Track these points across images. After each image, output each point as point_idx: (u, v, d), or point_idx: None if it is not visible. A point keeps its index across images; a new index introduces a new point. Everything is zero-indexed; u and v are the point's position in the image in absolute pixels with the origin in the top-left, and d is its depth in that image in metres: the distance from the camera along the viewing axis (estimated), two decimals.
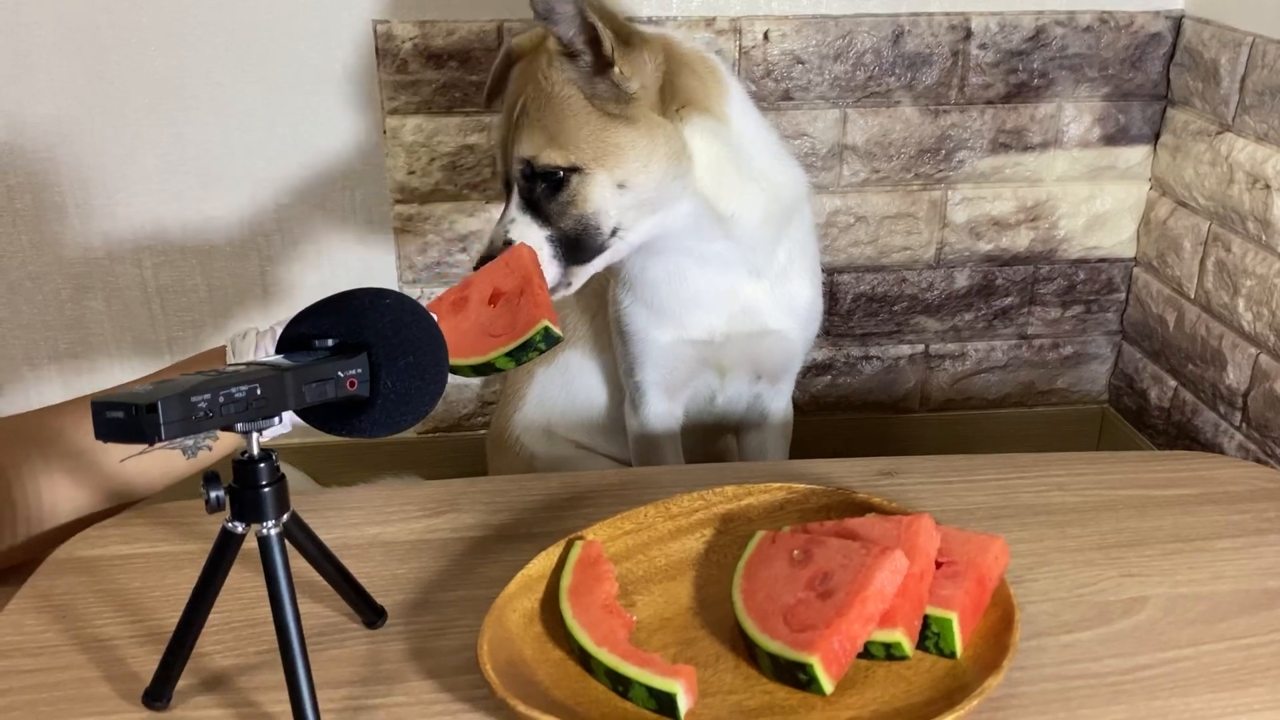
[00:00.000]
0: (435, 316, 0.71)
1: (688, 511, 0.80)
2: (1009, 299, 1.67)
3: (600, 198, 0.96)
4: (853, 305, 1.65)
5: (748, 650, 0.68)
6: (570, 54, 0.94)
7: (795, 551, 0.71)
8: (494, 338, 0.81)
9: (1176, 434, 1.59)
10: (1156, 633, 0.71)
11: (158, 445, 0.53)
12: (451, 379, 0.76)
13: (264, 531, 0.61)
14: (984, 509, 0.86)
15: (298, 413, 0.62)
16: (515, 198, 0.98)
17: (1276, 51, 1.32)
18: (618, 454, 1.30)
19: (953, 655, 0.66)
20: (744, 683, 0.66)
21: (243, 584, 0.73)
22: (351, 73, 1.44)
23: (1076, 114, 1.57)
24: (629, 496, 0.87)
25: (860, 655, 0.65)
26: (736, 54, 1.47)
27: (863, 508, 0.78)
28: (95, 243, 1.49)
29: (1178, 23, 1.52)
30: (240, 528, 0.62)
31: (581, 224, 0.97)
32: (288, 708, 0.60)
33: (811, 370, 1.67)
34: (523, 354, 0.81)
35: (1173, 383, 1.59)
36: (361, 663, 0.70)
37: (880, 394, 1.72)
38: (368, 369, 0.63)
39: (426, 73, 1.45)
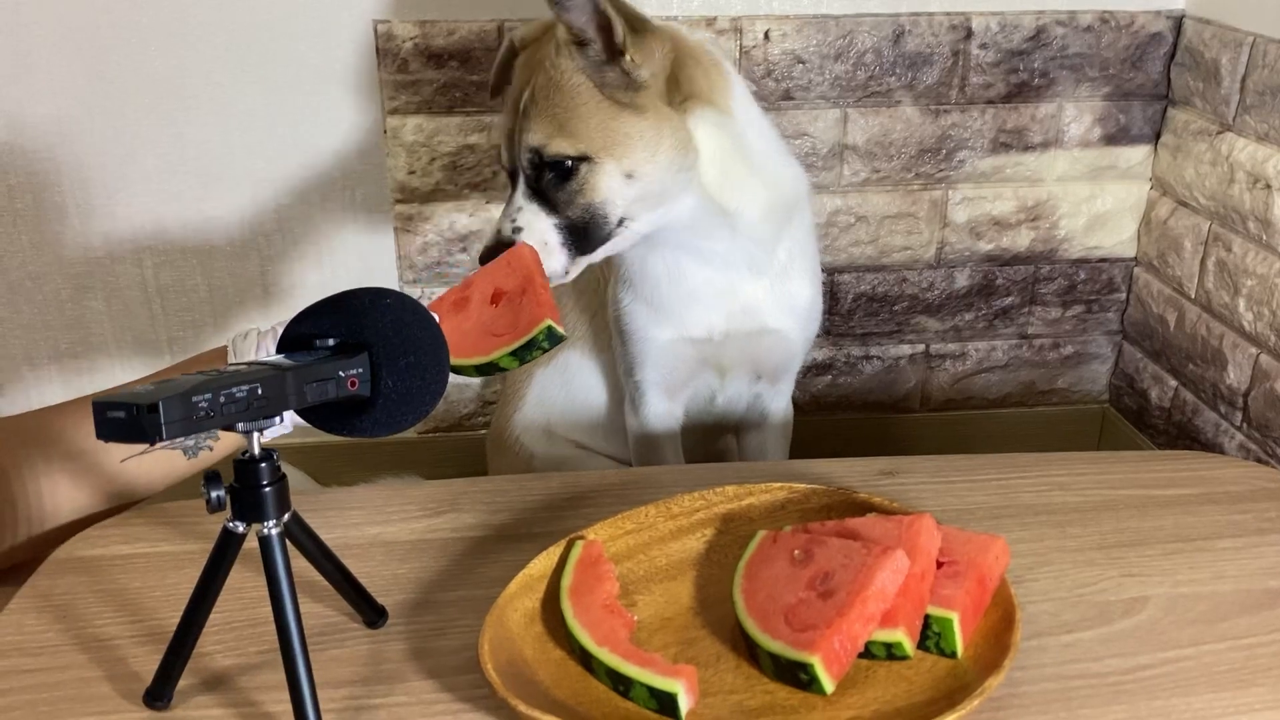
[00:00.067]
0: (436, 316, 0.71)
1: (688, 511, 0.80)
2: (1009, 299, 1.67)
3: (608, 187, 0.96)
4: (853, 305, 1.65)
5: (749, 650, 0.67)
6: (579, 43, 0.94)
7: (796, 551, 0.71)
8: (496, 337, 0.81)
9: (1177, 434, 1.59)
10: (1157, 633, 0.71)
11: (159, 445, 0.53)
12: (452, 379, 0.75)
13: (265, 531, 0.61)
14: (985, 509, 0.86)
15: (298, 412, 0.62)
16: (521, 187, 0.98)
17: (1277, 51, 1.32)
18: (617, 454, 1.30)
19: (954, 655, 0.66)
20: (745, 682, 0.66)
21: (243, 584, 0.73)
22: (352, 73, 1.44)
23: (1077, 114, 1.57)
24: (629, 496, 0.87)
25: (861, 655, 0.65)
26: (737, 53, 1.47)
27: (863, 507, 0.78)
28: (95, 243, 1.49)
29: (1178, 22, 1.52)
30: (241, 527, 0.62)
31: (589, 213, 0.97)
32: (288, 708, 0.60)
33: (812, 370, 1.67)
34: (526, 353, 0.81)
35: (1173, 383, 1.59)
36: (362, 662, 0.69)
37: (881, 394, 1.72)
38: (368, 369, 0.63)
39: (427, 72, 1.45)
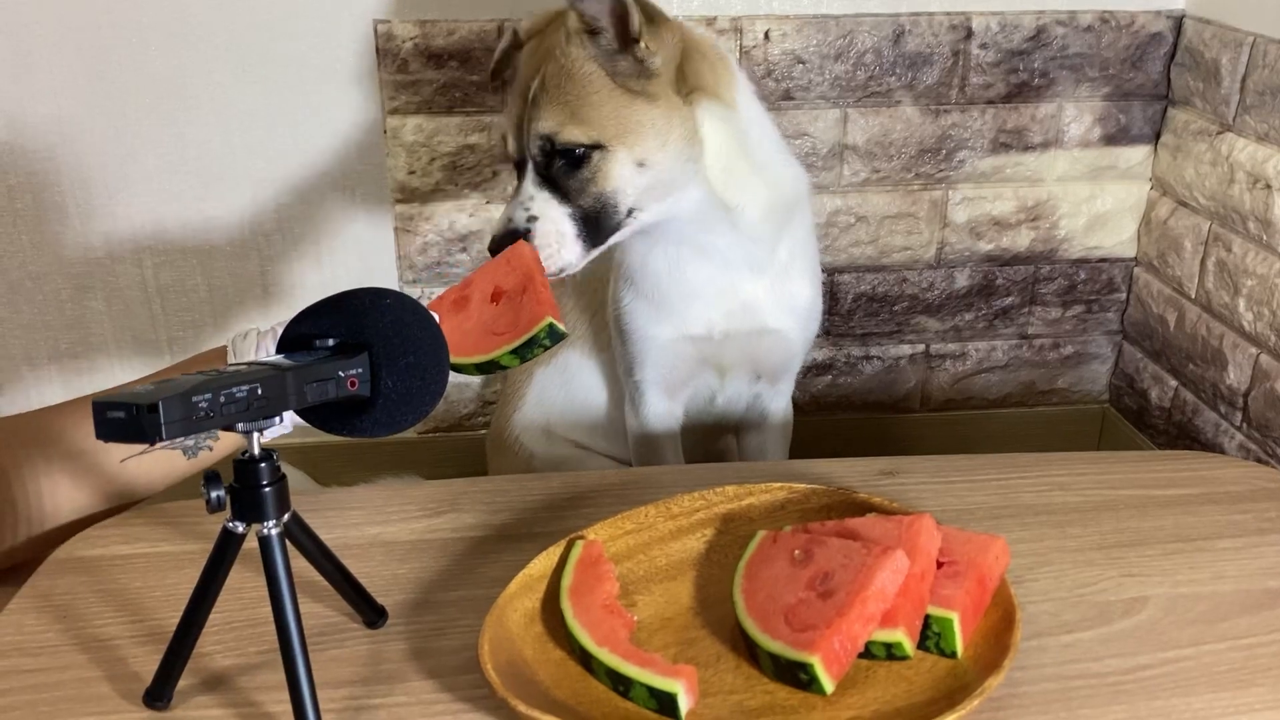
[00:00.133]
0: (436, 316, 0.71)
1: (688, 511, 0.80)
2: (1010, 299, 1.67)
3: (620, 176, 0.96)
4: (853, 305, 1.64)
5: (749, 650, 0.67)
6: (591, 31, 0.95)
7: (796, 551, 0.71)
8: (497, 335, 0.81)
9: (1177, 434, 1.59)
10: (1157, 633, 0.71)
11: (159, 445, 0.53)
12: (452, 378, 0.75)
13: (265, 531, 0.61)
14: (985, 509, 0.86)
15: (298, 412, 0.62)
16: (531, 176, 0.98)
17: (1277, 51, 1.32)
18: (617, 454, 1.30)
19: (954, 655, 0.66)
20: (745, 683, 0.66)
21: (243, 584, 0.73)
22: (352, 73, 1.44)
23: (1077, 114, 1.57)
24: (629, 496, 0.87)
25: (861, 655, 0.65)
26: (737, 53, 1.47)
27: (863, 508, 0.78)
28: (95, 243, 1.49)
29: (1178, 22, 1.52)
30: (241, 527, 0.62)
31: (600, 202, 0.97)
32: (288, 708, 0.60)
33: (812, 370, 1.67)
34: (528, 351, 0.81)
35: (1173, 383, 1.59)
36: (362, 663, 0.69)
37: (881, 394, 1.72)
38: (368, 369, 0.63)
39: (427, 73, 1.45)
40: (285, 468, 0.63)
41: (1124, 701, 0.65)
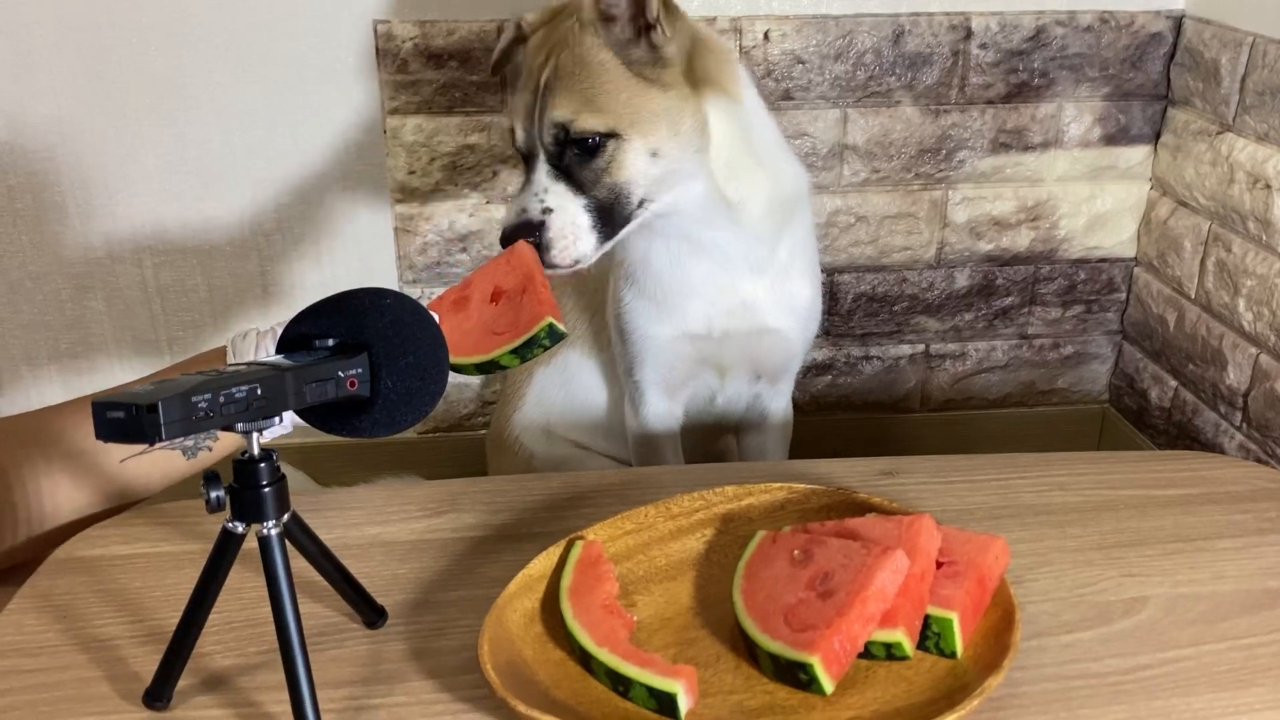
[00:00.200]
0: (436, 316, 0.71)
1: (688, 511, 0.80)
2: (1009, 299, 1.67)
3: (634, 165, 0.96)
4: (853, 305, 1.64)
5: (748, 650, 0.67)
6: (606, 19, 0.95)
7: (796, 551, 0.71)
8: (497, 335, 0.81)
9: (1177, 434, 1.58)
10: (1157, 633, 0.71)
11: (158, 445, 0.53)
12: (452, 378, 0.75)
13: (264, 531, 0.61)
14: (984, 509, 0.86)
15: (298, 413, 0.62)
16: (542, 166, 0.97)
17: (1277, 51, 1.32)
18: (617, 454, 1.30)
19: (953, 655, 0.66)
20: (744, 683, 0.66)
21: (243, 584, 0.73)
22: (351, 73, 1.44)
23: (1077, 114, 1.57)
24: (629, 496, 0.87)
25: (861, 655, 0.65)
26: (737, 54, 1.47)
27: (863, 508, 0.78)
28: (95, 243, 1.49)
29: (1178, 22, 1.52)
30: (240, 528, 0.62)
31: (615, 192, 0.97)
32: (288, 708, 0.60)
33: (812, 370, 1.67)
34: (528, 351, 0.81)
35: (1173, 383, 1.59)
36: (362, 663, 0.69)
37: (881, 394, 1.72)
38: (368, 369, 0.63)
39: (427, 73, 1.45)
40: (285, 468, 0.63)
41: (1124, 701, 0.65)
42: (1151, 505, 0.86)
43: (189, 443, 0.84)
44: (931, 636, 0.67)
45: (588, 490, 0.90)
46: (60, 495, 0.84)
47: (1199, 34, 1.48)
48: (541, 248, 0.95)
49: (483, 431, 1.60)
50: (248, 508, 0.61)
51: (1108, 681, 0.67)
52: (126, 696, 0.67)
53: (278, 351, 0.64)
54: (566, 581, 0.72)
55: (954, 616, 0.66)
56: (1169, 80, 1.55)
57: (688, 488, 0.82)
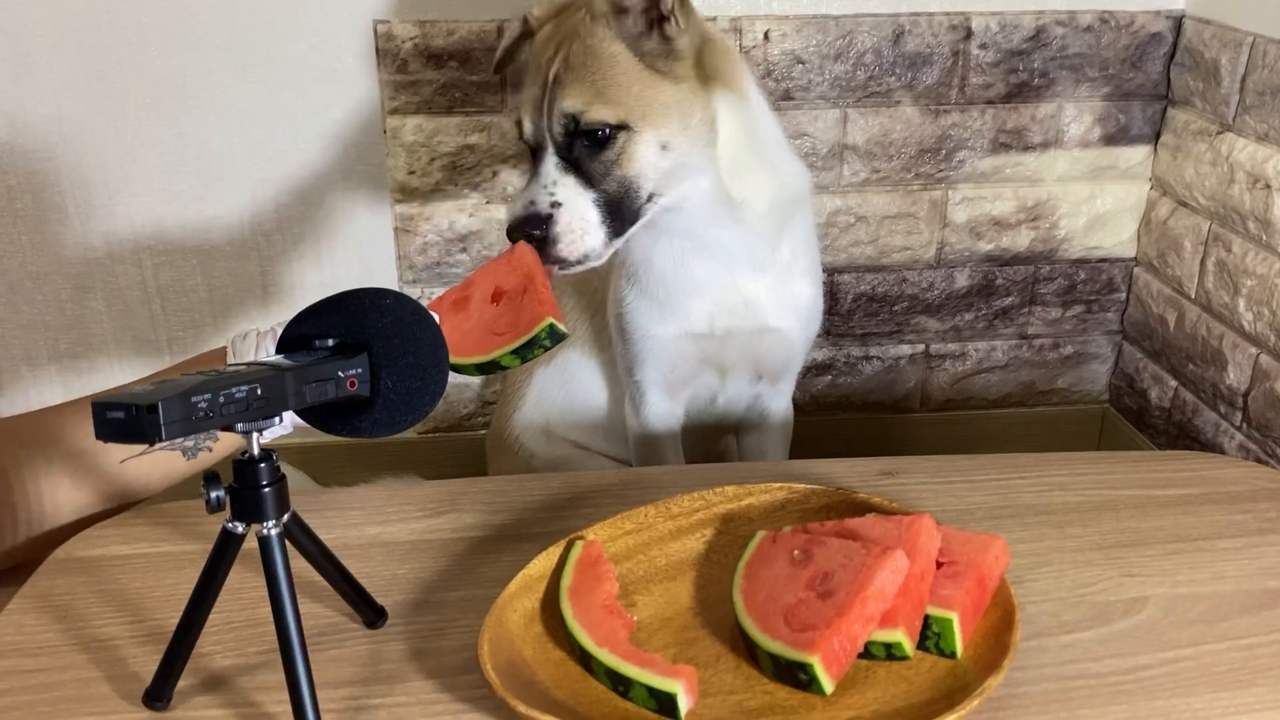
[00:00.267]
0: (437, 316, 0.71)
1: (688, 511, 0.80)
2: (1009, 299, 1.67)
3: (644, 157, 0.96)
4: (853, 305, 1.64)
5: (748, 650, 0.67)
6: (620, 10, 0.95)
7: (796, 551, 0.71)
8: (498, 336, 0.81)
9: (1177, 434, 1.58)
10: (1157, 633, 0.71)
11: (158, 445, 0.53)
12: (452, 378, 0.75)
13: (264, 531, 0.61)
14: (984, 509, 0.86)
15: (298, 413, 0.62)
16: (550, 158, 0.96)
17: (1277, 51, 1.32)
18: (616, 454, 1.30)
19: (953, 655, 0.66)
20: (744, 683, 0.66)
21: (243, 584, 0.73)
22: (351, 73, 1.44)
23: (1077, 114, 1.56)
24: (629, 496, 0.87)
25: (861, 655, 0.65)
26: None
27: (863, 508, 0.78)
28: (95, 243, 1.49)
29: (1178, 22, 1.52)
30: (240, 528, 0.62)
31: (624, 186, 0.96)
32: (288, 708, 0.60)
33: (812, 370, 1.67)
34: (528, 351, 0.81)
35: (1173, 383, 1.59)
36: (362, 663, 0.69)
37: (881, 394, 1.72)
38: (368, 369, 0.63)
39: (427, 73, 1.45)
40: (285, 468, 0.63)
41: (1124, 701, 0.65)
42: (1151, 505, 0.86)
43: (189, 443, 0.84)
44: (931, 636, 0.67)
45: (588, 490, 0.90)
46: (60, 495, 0.84)
47: (1199, 34, 1.48)
48: (548, 241, 0.93)
49: (483, 431, 1.60)
50: (248, 508, 0.61)
51: (1108, 681, 0.67)
52: (126, 696, 0.67)
53: (277, 351, 0.64)
54: (566, 581, 0.72)
55: (954, 616, 0.66)
56: (1169, 80, 1.55)
57: (688, 488, 0.82)
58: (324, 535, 0.70)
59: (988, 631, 0.67)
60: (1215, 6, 1.46)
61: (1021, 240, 1.63)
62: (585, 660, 0.67)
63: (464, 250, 1.55)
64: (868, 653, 0.66)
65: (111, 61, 1.40)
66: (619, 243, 0.99)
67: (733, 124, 1.01)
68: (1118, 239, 1.65)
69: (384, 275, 1.56)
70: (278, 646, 0.60)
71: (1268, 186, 1.34)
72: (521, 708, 0.60)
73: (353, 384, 0.62)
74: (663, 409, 1.17)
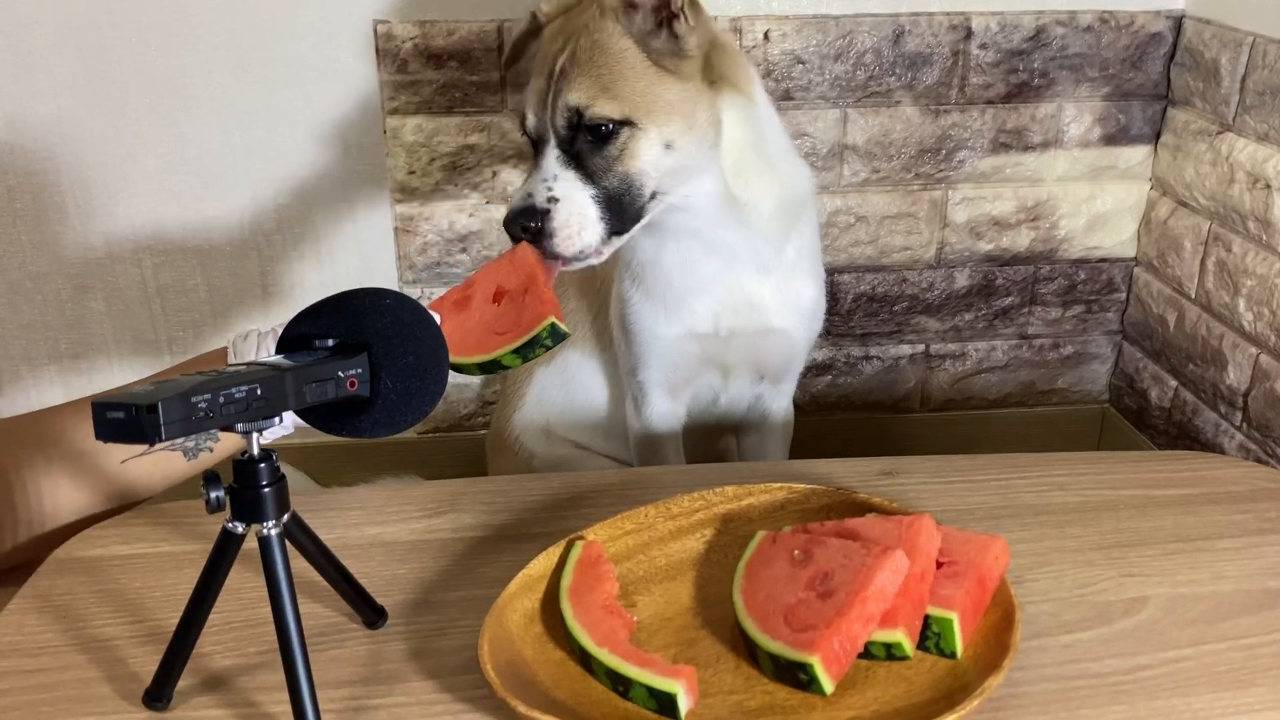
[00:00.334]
0: (438, 316, 0.71)
1: (688, 512, 0.80)
2: (1009, 299, 1.67)
3: (647, 155, 0.95)
4: (853, 305, 1.64)
5: (748, 650, 0.67)
6: (630, 6, 0.94)
7: (796, 551, 0.71)
8: (499, 335, 0.81)
9: (1177, 434, 1.58)
10: (1157, 633, 0.71)
11: (159, 446, 0.53)
12: (452, 378, 0.75)
13: (264, 532, 0.61)
14: (984, 509, 0.86)
15: (298, 413, 0.62)
16: (552, 152, 0.96)
17: (1277, 51, 1.32)
18: (616, 454, 1.30)
19: (953, 655, 0.66)
20: (744, 683, 0.66)
21: (243, 584, 0.73)
22: (352, 73, 1.44)
23: (1077, 114, 1.56)
24: (629, 496, 0.87)
25: (861, 655, 0.65)
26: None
27: (863, 508, 0.78)
28: (95, 243, 1.49)
29: (1178, 22, 1.52)
30: (240, 528, 0.62)
31: (626, 183, 0.96)
32: (288, 708, 0.60)
33: (812, 370, 1.67)
34: (529, 350, 0.80)
35: (1173, 383, 1.59)
36: (362, 663, 0.69)
37: (881, 394, 1.72)
38: (368, 369, 0.63)
39: (426, 73, 1.45)
40: (285, 468, 0.63)
41: (1124, 701, 0.65)
42: (1151, 505, 0.86)
43: (190, 443, 0.84)
44: (931, 636, 0.67)
45: (588, 490, 0.90)
46: (61, 496, 0.84)
47: (1199, 34, 1.48)
48: (544, 235, 0.93)
49: (483, 431, 1.60)
50: (248, 508, 0.61)
51: (1108, 681, 0.67)
52: (126, 696, 0.67)
53: (277, 352, 0.64)
54: (566, 581, 0.72)
55: (954, 616, 0.66)
56: (1169, 80, 1.55)
57: (688, 488, 0.82)
58: (324, 535, 0.70)
59: (988, 631, 0.67)
60: (1215, 6, 1.46)
61: (1021, 240, 1.63)
62: (585, 660, 0.67)
63: (464, 250, 1.55)
64: (868, 653, 0.66)
65: (111, 61, 1.40)
66: (620, 241, 0.98)
67: (738, 126, 1.01)
68: (1118, 239, 1.65)
69: (384, 275, 1.56)
70: (278, 646, 0.60)
71: (1268, 186, 1.34)
72: (521, 708, 0.60)
73: (353, 384, 0.62)
74: (665, 409, 1.17)
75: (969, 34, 1.50)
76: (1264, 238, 1.36)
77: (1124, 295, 1.69)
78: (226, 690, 0.67)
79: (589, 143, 0.95)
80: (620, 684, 0.64)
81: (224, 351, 0.85)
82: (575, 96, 0.94)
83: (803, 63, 1.49)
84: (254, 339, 0.83)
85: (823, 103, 1.52)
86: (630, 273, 1.11)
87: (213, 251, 1.51)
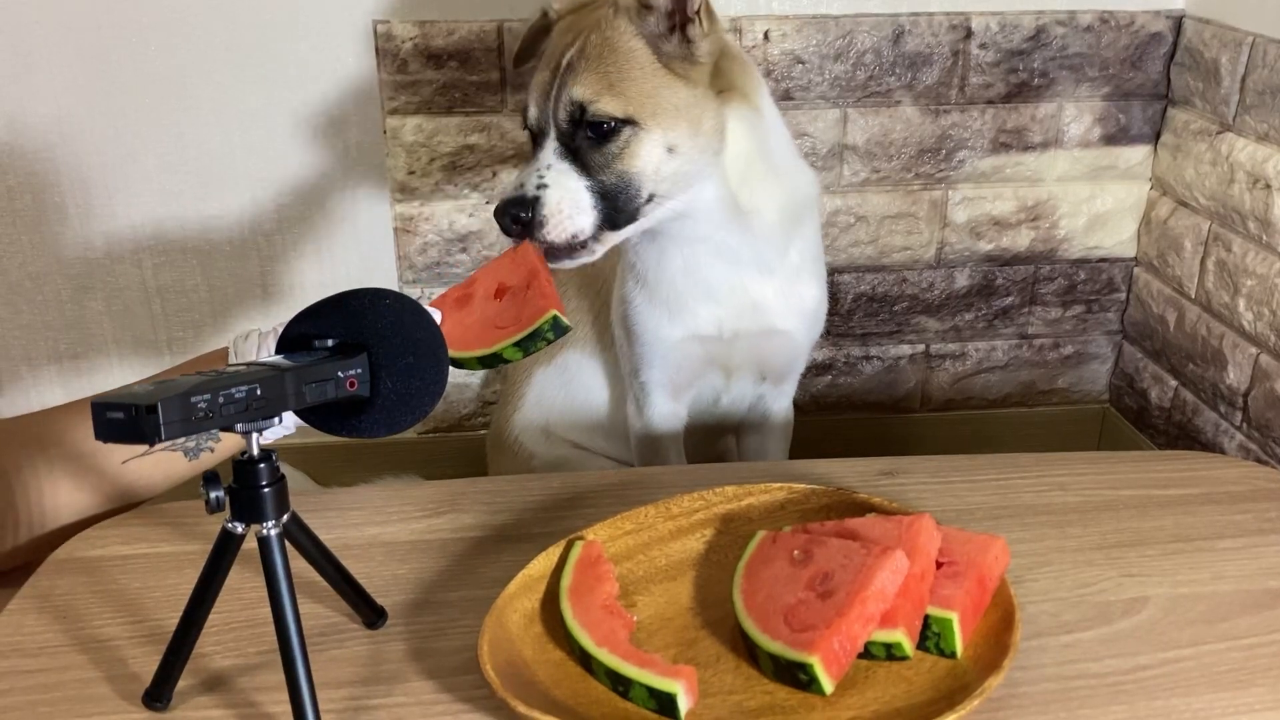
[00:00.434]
0: (439, 314, 0.71)
1: (688, 512, 0.80)
2: (1009, 299, 1.67)
3: (647, 157, 0.95)
4: (853, 305, 1.64)
5: (748, 650, 0.67)
6: (645, 7, 0.94)
7: (796, 552, 0.71)
8: (500, 329, 0.81)
9: (1177, 434, 1.58)
10: (1157, 633, 0.71)
11: (158, 446, 0.53)
12: (453, 377, 0.75)
13: (264, 532, 0.61)
14: (984, 509, 0.86)
15: (298, 413, 0.62)
16: (551, 144, 0.96)
17: (1277, 51, 1.32)
18: (616, 454, 1.30)
19: (953, 655, 0.66)
20: (744, 683, 0.66)
21: (243, 584, 0.73)
22: (351, 73, 1.44)
23: (1077, 114, 1.56)
24: (629, 497, 0.87)
25: (861, 655, 0.65)
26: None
27: (863, 508, 0.78)
28: (95, 243, 1.49)
29: (1178, 22, 1.52)
30: (240, 528, 0.62)
31: (623, 181, 0.95)
32: (288, 708, 0.60)
33: (812, 370, 1.67)
34: (531, 344, 0.80)
35: (1173, 382, 1.59)
36: (362, 663, 0.69)
37: (881, 394, 1.72)
38: (368, 369, 0.63)
39: (426, 73, 1.45)
40: (285, 468, 0.63)
41: (1124, 701, 0.65)
42: (1151, 505, 0.86)
43: (190, 444, 0.84)
44: (931, 636, 0.67)
45: (588, 490, 0.90)
46: (61, 497, 0.84)
47: (1199, 34, 1.48)
48: (534, 224, 0.92)
49: (483, 431, 1.60)
50: (247, 508, 0.61)
51: (1108, 681, 0.67)
52: (126, 697, 0.67)
53: (277, 352, 0.64)
54: (566, 582, 0.72)
55: (954, 616, 0.66)
56: (1169, 80, 1.55)
57: (688, 488, 0.82)
58: (324, 535, 0.70)
59: (988, 631, 0.67)
60: (1215, 6, 1.46)
61: (1021, 240, 1.63)
62: (585, 660, 0.67)
63: (464, 250, 1.55)
64: (868, 653, 0.66)
65: (111, 61, 1.40)
66: (615, 237, 0.98)
67: (743, 136, 1.01)
68: (1118, 239, 1.65)
69: (384, 275, 1.56)
70: (278, 646, 0.60)
71: (1268, 186, 1.34)
72: (521, 708, 0.60)
73: (352, 384, 0.62)
74: (667, 410, 1.17)
75: (969, 34, 1.50)
76: (1264, 238, 1.36)
77: (1124, 295, 1.69)
78: (226, 690, 0.67)
79: (589, 139, 0.95)
80: (620, 684, 0.64)
81: (224, 352, 0.85)
82: (580, 91, 0.94)
83: (803, 63, 1.49)
84: (255, 339, 0.83)
85: (823, 103, 1.52)
86: (633, 275, 1.11)
87: (213, 251, 1.51)
